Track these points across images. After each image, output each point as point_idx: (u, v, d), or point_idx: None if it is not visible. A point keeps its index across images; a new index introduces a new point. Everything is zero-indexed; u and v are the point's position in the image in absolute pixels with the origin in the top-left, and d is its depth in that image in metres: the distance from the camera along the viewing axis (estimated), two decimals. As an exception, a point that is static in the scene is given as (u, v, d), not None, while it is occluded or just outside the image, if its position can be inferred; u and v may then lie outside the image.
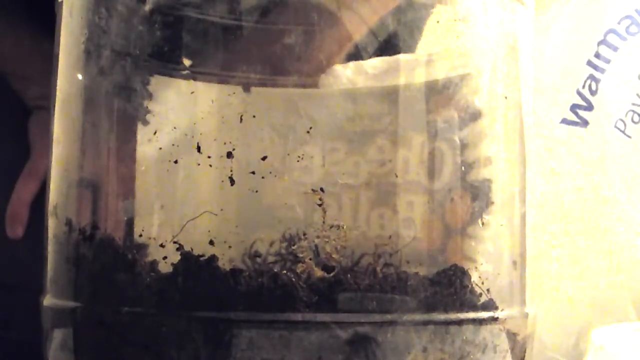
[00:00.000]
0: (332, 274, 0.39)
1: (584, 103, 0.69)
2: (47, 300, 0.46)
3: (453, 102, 0.49)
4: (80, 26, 0.46)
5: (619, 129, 0.69)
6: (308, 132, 0.40)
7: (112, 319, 0.42)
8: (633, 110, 0.69)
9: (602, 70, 0.68)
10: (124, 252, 0.42)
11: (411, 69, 0.49)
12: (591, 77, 0.68)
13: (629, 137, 0.69)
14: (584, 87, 0.69)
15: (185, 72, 0.46)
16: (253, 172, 0.39)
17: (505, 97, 0.49)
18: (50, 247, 0.46)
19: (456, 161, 0.48)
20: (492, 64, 0.49)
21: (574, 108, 0.69)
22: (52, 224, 0.46)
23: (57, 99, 0.48)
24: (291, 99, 0.45)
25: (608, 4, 0.69)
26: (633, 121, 0.69)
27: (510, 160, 0.50)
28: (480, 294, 0.45)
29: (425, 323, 0.42)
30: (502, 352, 0.44)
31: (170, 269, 0.40)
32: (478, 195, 0.49)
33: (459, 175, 0.48)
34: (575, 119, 0.69)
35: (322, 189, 0.39)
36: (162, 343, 0.40)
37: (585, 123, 0.69)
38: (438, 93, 0.49)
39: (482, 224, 0.49)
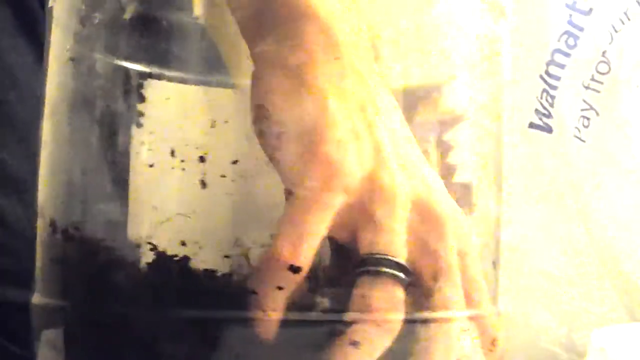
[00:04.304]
0: (299, 273, 0.40)
1: (545, 111, 0.71)
2: (35, 299, 0.48)
3: (438, 105, 0.49)
4: (64, 34, 0.48)
5: (577, 137, 0.71)
6: (277, 137, 0.41)
7: (93, 317, 0.43)
8: (583, 116, 0.71)
9: (555, 87, 0.71)
10: (103, 252, 0.43)
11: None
12: (545, 91, 0.71)
13: (583, 141, 0.71)
14: (541, 97, 0.70)
15: (162, 76, 0.47)
16: (224, 176, 0.41)
17: (484, 103, 0.50)
18: (38, 247, 0.48)
19: (442, 163, 0.49)
20: (473, 71, 0.50)
21: (537, 113, 0.71)
22: (39, 224, 0.48)
23: (46, 103, 0.49)
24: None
25: (548, 22, 0.71)
26: (584, 126, 0.71)
27: (488, 164, 0.51)
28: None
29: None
30: (476, 349, 0.45)
31: (145, 269, 0.42)
32: (462, 196, 0.50)
33: (445, 178, 0.49)
34: (540, 123, 0.71)
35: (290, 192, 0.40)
36: (143, 341, 0.42)
37: (550, 129, 0.71)
38: (424, 96, 0.49)
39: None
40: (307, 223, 0.39)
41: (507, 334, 0.48)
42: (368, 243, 0.39)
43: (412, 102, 0.48)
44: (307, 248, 0.39)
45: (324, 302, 0.41)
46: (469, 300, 0.43)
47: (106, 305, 0.41)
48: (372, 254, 0.39)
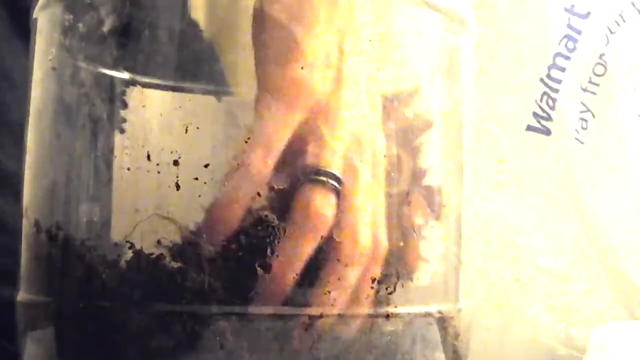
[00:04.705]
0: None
1: (544, 114, 0.72)
2: (20, 297, 0.50)
3: (409, 112, 0.51)
4: (47, 44, 0.50)
5: (577, 139, 0.72)
6: (246, 142, 0.43)
7: (78, 313, 0.45)
8: (582, 118, 0.72)
9: (556, 90, 0.72)
10: (84, 251, 0.45)
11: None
12: (546, 94, 0.72)
13: (582, 143, 0.72)
14: (541, 100, 0.72)
15: (144, 83, 0.50)
16: (196, 179, 0.43)
17: (447, 109, 0.52)
18: (23, 246, 0.50)
19: (414, 167, 0.51)
20: (436, 79, 0.52)
21: (535, 116, 0.72)
22: (24, 224, 0.50)
23: (30, 110, 0.52)
24: (231, 110, 0.49)
25: (549, 26, 0.72)
26: (582, 128, 0.72)
27: (452, 169, 0.53)
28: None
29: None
30: (435, 344, 0.48)
31: (125, 266, 0.44)
32: (432, 199, 0.52)
33: (416, 180, 0.51)
34: (538, 126, 0.72)
35: (259, 194, 0.43)
36: (124, 334, 0.44)
37: (548, 132, 0.72)
38: (398, 103, 0.51)
39: (435, 226, 0.52)
40: (274, 139, 0.44)
41: (468, 330, 0.51)
42: (314, 156, 0.45)
43: (392, 107, 0.51)
44: (273, 159, 0.44)
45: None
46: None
47: (90, 302, 0.44)
48: (316, 165, 0.45)
